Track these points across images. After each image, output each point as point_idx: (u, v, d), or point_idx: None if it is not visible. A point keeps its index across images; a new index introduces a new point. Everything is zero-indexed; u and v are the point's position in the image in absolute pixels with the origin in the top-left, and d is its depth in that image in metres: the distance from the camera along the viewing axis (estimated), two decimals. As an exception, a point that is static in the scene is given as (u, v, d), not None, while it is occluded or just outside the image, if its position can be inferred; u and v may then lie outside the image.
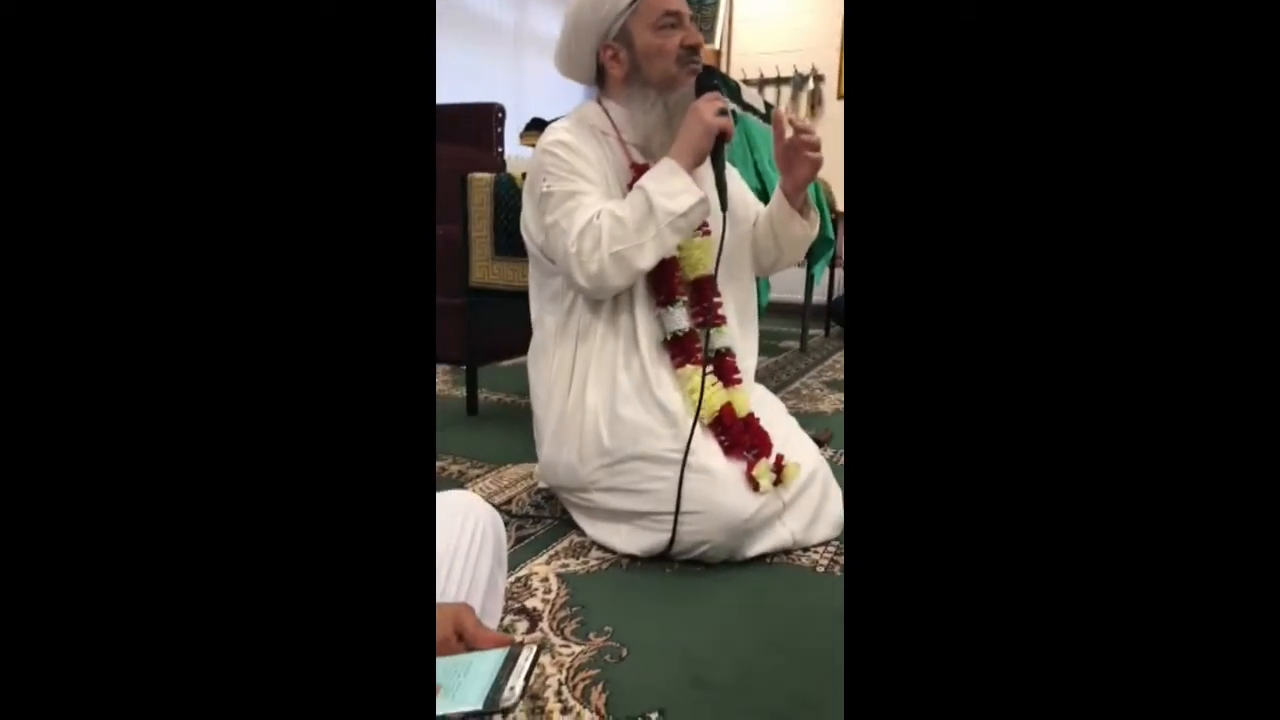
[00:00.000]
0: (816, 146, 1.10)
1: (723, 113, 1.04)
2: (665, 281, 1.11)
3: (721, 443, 1.08)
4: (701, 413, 1.07)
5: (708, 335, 1.11)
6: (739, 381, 1.15)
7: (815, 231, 1.22)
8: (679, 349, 1.11)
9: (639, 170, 1.10)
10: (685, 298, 1.12)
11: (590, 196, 1.06)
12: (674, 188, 1.02)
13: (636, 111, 1.12)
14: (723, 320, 1.15)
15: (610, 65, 1.12)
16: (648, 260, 1.03)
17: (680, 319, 1.11)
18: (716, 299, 1.14)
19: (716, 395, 1.10)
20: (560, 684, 0.77)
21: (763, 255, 1.26)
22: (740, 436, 1.09)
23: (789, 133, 1.10)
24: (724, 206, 1.06)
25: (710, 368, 1.11)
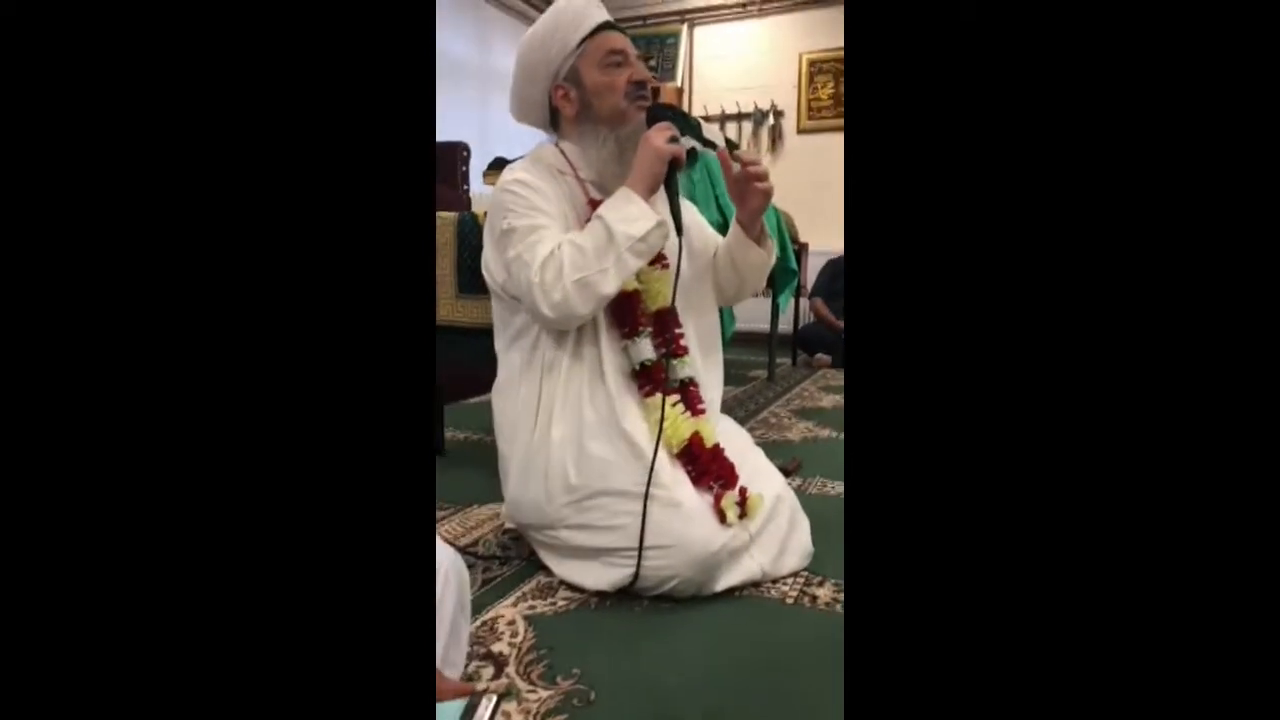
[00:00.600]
0: (764, 177, 1.14)
1: (674, 140, 1.08)
2: (629, 313, 1.12)
3: (689, 473, 1.08)
4: (670, 442, 1.07)
5: (669, 365, 1.12)
6: (703, 412, 1.16)
7: (773, 259, 1.25)
8: (646, 379, 1.12)
9: (596, 205, 1.12)
10: (649, 329, 1.13)
11: (551, 230, 1.08)
12: (631, 214, 1.04)
13: (589, 148, 1.15)
14: (685, 350, 1.16)
15: (562, 105, 1.16)
16: (611, 286, 1.04)
17: (646, 349, 1.12)
18: (678, 330, 1.15)
19: (684, 424, 1.10)
20: (527, 732, 0.75)
21: (725, 285, 1.28)
22: (708, 465, 1.09)
23: (736, 167, 1.15)
24: (679, 233, 1.09)
25: (676, 398, 1.12)
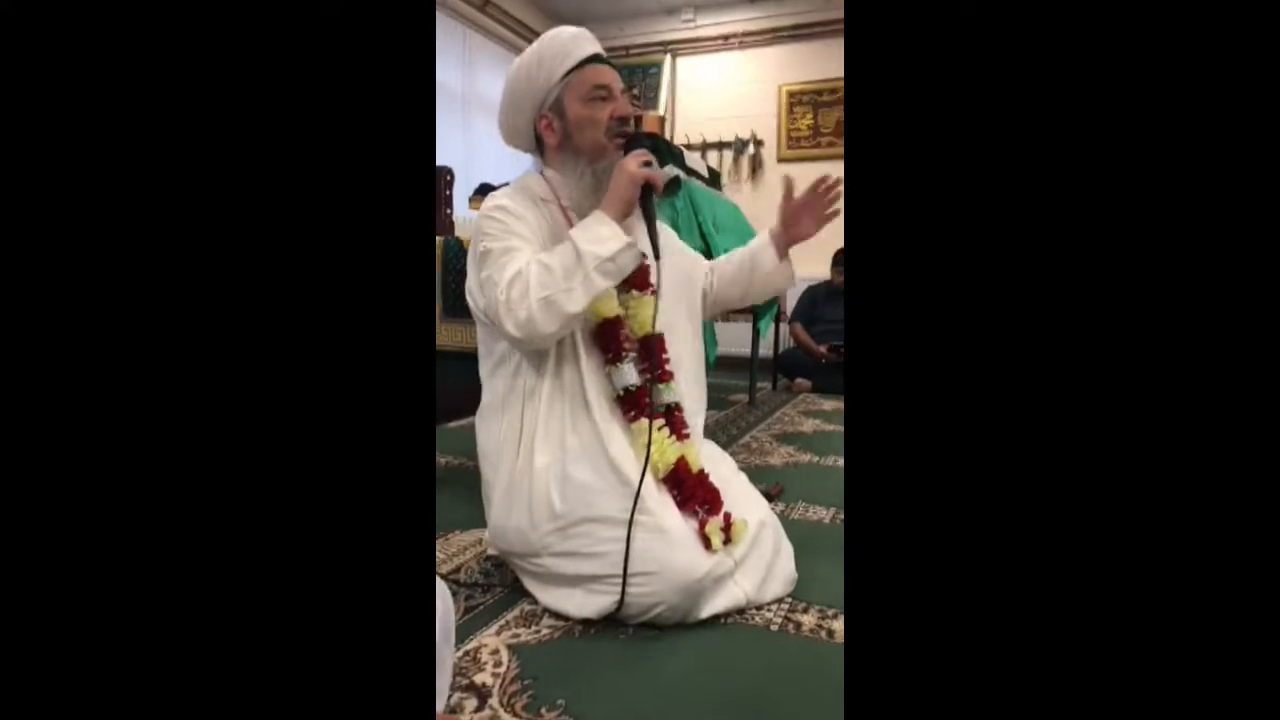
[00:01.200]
0: (837, 199, 1.24)
1: (648, 165, 1.09)
2: (612, 339, 1.13)
3: (675, 497, 1.08)
4: (656, 467, 1.07)
5: (654, 390, 1.13)
6: (688, 436, 1.17)
7: (794, 282, 1.32)
8: (630, 404, 1.12)
9: None
10: (633, 354, 1.13)
11: (524, 253, 1.08)
12: (600, 234, 1.05)
13: (570, 178, 1.16)
14: (670, 376, 1.17)
15: (545, 134, 1.17)
16: (576, 305, 1.04)
17: (630, 375, 1.12)
18: (663, 355, 1.16)
19: (670, 449, 1.11)
20: (511, 764, 0.74)
21: (729, 289, 1.34)
22: (694, 490, 1.09)
23: (798, 191, 1.25)
24: (656, 256, 1.10)
25: (661, 422, 1.12)
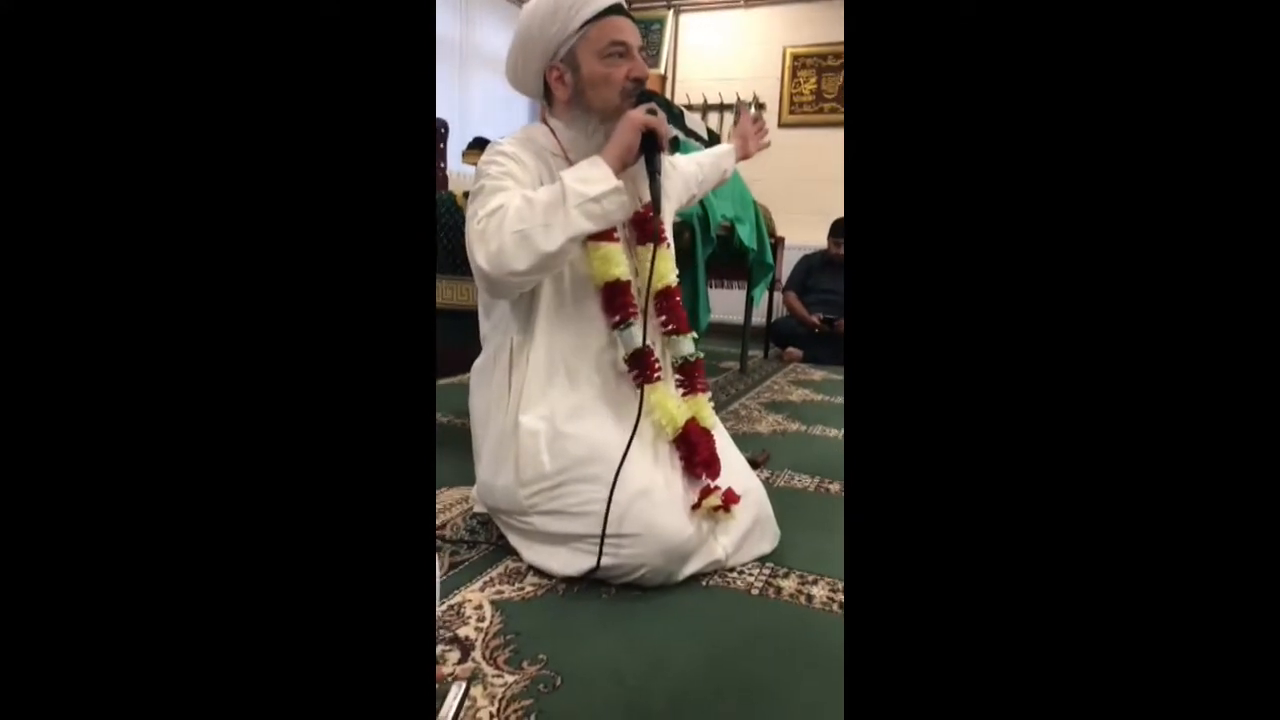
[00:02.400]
0: (764, 134, 1.59)
1: (653, 113, 1.05)
2: (621, 301, 1.10)
3: (684, 458, 1.09)
4: (665, 429, 1.07)
5: (671, 343, 1.16)
6: (706, 389, 1.18)
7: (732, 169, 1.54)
8: (636, 365, 1.11)
9: None
10: (636, 317, 1.11)
11: (514, 192, 1.03)
12: (590, 175, 1.01)
13: (579, 134, 1.13)
14: (688, 327, 1.17)
15: (555, 86, 1.12)
16: (552, 243, 0.98)
17: (637, 336, 1.10)
18: (680, 306, 1.17)
19: (680, 410, 1.11)
20: (491, 716, 0.75)
21: (690, 179, 1.44)
22: (702, 453, 1.10)
23: (753, 114, 1.59)
24: (656, 210, 1.09)
25: (679, 378, 1.14)
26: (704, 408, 1.14)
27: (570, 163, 1.12)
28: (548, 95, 1.15)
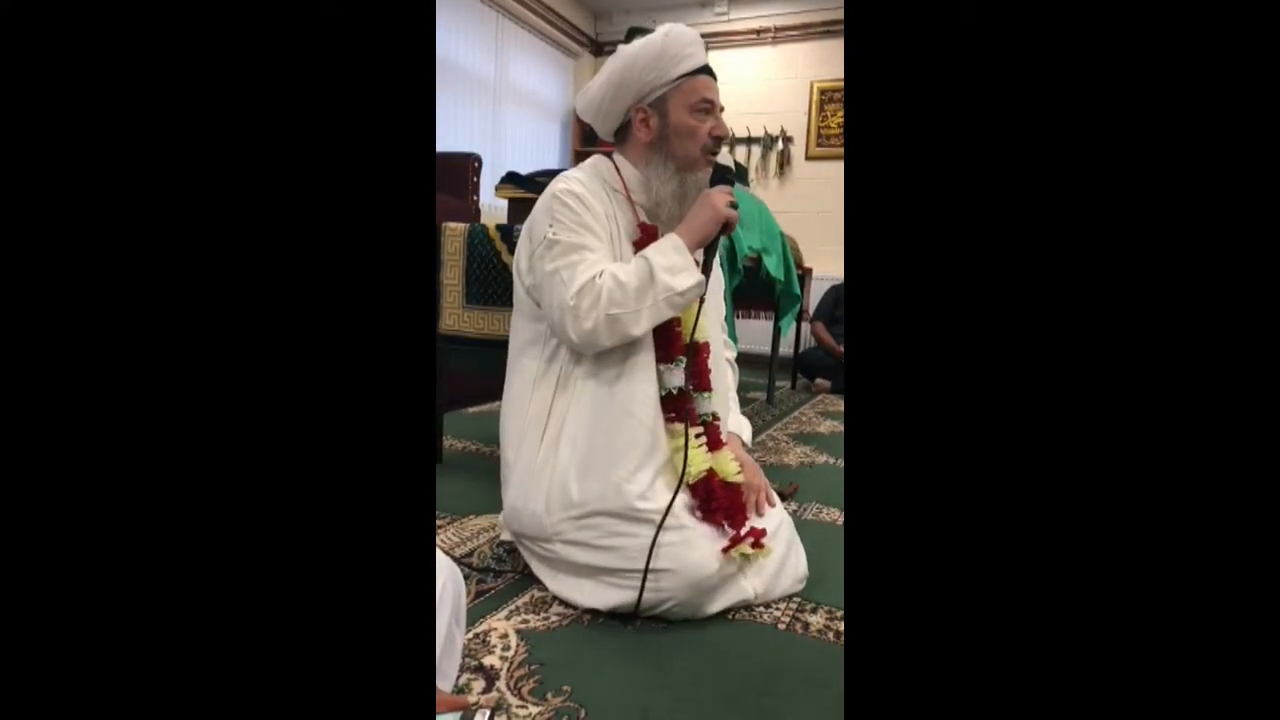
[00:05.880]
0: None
1: (733, 206, 1.11)
2: (671, 339, 1.13)
3: (701, 506, 1.09)
4: (686, 473, 1.08)
5: (697, 398, 1.15)
6: (723, 445, 1.18)
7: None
8: (671, 406, 1.12)
9: (647, 230, 1.15)
10: (684, 358, 1.14)
11: (595, 253, 1.09)
12: (677, 264, 1.07)
13: (653, 178, 1.16)
14: (709, 385, 1.18)
15: (639, 128, 1.16)
16: (641, 328, 1.06)
17: (678, 377, 1.13)
18: (707, 364, 1.18)
19: (701, 459, 1.11)
20: (516, 747, 0.75)
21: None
22: (721, 503, 1.10)
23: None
24: (706, 275, 1.12)
25: (699, 430, 1.14)
26: (722, 461, 1.14)
27: (630, 200, 1.17)
28: (622, 133, 1.21)
